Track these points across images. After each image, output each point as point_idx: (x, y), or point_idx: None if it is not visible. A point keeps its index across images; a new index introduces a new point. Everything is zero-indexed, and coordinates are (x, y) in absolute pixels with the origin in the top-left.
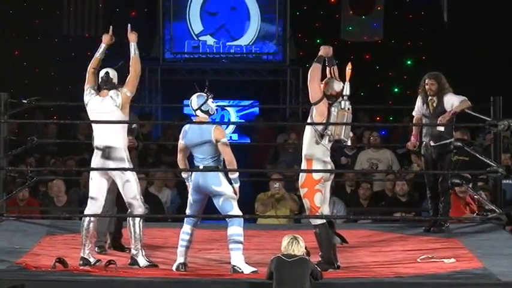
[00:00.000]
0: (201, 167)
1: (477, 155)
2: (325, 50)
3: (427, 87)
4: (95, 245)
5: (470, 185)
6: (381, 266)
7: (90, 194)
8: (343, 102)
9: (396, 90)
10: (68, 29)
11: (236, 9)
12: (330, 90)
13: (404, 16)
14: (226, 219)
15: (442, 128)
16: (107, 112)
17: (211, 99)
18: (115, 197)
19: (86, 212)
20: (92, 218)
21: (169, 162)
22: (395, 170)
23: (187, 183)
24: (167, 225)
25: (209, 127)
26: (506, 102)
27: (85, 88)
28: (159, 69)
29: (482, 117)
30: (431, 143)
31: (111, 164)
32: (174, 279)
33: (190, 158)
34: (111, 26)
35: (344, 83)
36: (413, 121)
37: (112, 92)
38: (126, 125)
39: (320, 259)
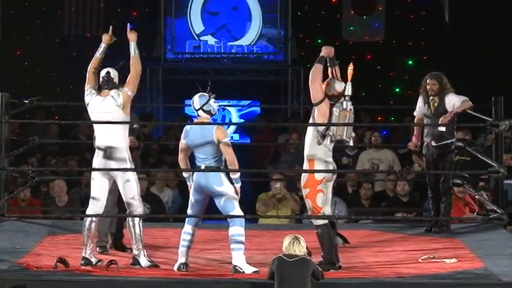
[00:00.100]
0: (202, 167)
1: (478, 155)
2: (326, 51)
3: (428, 87)
4: (97, 245)
5: (470, 186)
6: (382, 266)
7: (92, 194)
8: (345, 103)
9: (397, 90)
10: (69, 29)
11: (237, 9)
12: (331, 91)
13: (405, 16)
14: (228, 219)
15: (443, 128)
16: (108, 112)
17: (213, 99)
18: (116, 197)
19: (88, 212)
20: (94, 218)
21: (170, 162)
22: (397, 170)
23: (188, 183)
24: (168, 226)
25: (211, 127)
26: (508, 102)
27: (86, 88)
28: (161, 69)
29: (484, 117)
30: (433, 143)
31: (112, 164)
32: (175, 279)
33: (191, 158)
34: (110, 26)
35: (346, 84)
36: (415, 121)
37: (113, 92)
38: (127, 125)
39: (321, 259)
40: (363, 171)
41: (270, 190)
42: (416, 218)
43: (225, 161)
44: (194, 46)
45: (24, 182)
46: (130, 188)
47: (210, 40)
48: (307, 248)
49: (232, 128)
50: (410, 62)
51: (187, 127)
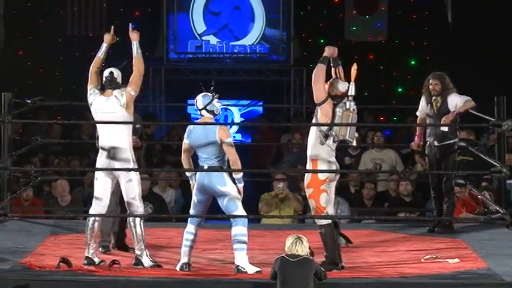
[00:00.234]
0: (205, 167)
1: (481, 155)
2: (329, 51)
3: (431, 87)
4: (99, 245)
5: (472, 186)
6: (385, 266)
7: (95, 194)
8: (348, 103)
9: (400, 90)
10: (72, 29)
11: (239, 8)
12: (334, 91)
13: (408, 16)
14: (231, 219)
15: (446, 128)
16: (111, 112)
17: (216, 100)
18: (118, 197)
19: (91, 211)
20: (97, 218)
21: (173, 162)
22: (399, 170)
23: (191, 183)
24: (171, 225)
25: (214, 127)
26: (510, 102)
27: (88, 88)
28: (163, 69)
29: (486, 117)
30: (435, 143)
31: (116, 164)
32: (178, 279)
33: (194, 157)
34: (112, 26)
35: (349, 84)
36: (417, 121)
37: (116, 92)
38: (131, 125)
39: (324, 259)
40: (365, 171)
41: (273, 190)
42: (419, 218)
43: (228, 161)
44: (196, 46)
45: (27, 181)
46: (132, 188)
47: (212, 40)
48: (309, 248)
49: (235, 128)
50: (412, 62)
51: (190, 127)
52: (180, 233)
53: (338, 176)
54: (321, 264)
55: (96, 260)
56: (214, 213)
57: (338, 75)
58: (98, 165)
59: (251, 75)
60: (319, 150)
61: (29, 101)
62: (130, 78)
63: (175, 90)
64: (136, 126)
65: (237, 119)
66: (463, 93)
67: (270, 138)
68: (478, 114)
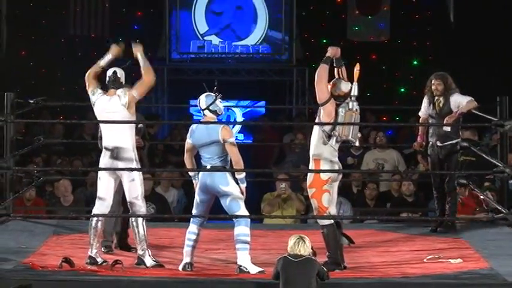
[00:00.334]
0: (208, 166)
1: (483, 155)
2: (332, 51)
3: (433, 87)
4: (102, 245)
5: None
6: (388, 266)
7: (99, 194)
8: (350, 103)
9: (402, 90)
10: (74, 29)
11: (242, 8)
12: (337, 91)
13: (410, 16)
14: (233, 219)
15: (448, 128)
16: (114, 111)
17: (219, 100)
18: (121, 197)
19: (94, 211)
20: (100, 218)
21: (175, 162)
22: (402, 170)
23: (194, 182)
24: (173, 225)
25: (216, 127)
26: None
27: (89, 91)
28: (166, 69)
29: (489, 117)
30: (438, 143)
31: (119, 164)
32: (180, 279)
33: (197, 157)
34: (121, 40)
35: (352, 84)
36: (420, 121)
37: (120, 91)
38: (133, 125)
39: (327, 259)
40: (368, 171)
41: (275, 190)
42: (422, 218)
43: (231, 161)
44: (198, 46)
45: (30, 181)
46: (135, 187)
47: (214, 40)
48: (312, 248)
49: (237, 128)
50: (415, 62)
51: (193, 126)
52: (182, 233)
53: (340, 176)
54: (324, 264)
55: (99, 260)
56: (216, 213)
57: (341, 76)
58: (101, 165)
59: (253, 75)
60: (321, 150)
61: (31, 101)
62: (138, 82)
63: (178, 90)
64: (139, 126)
65: (240, 119)
66: (465, 93)
67: (272, 138)
68: (480, 114)
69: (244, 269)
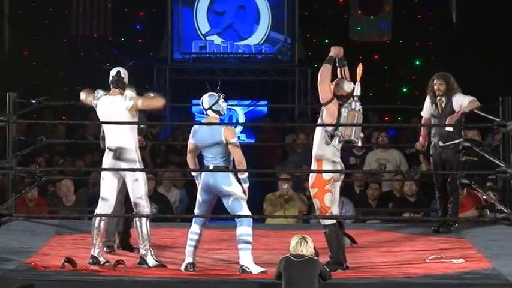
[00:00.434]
0: (211, 166)
1: (486, 155)
2: (335, 51)
3: (435, 87)
4: (104, 245)
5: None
6: (390, 266)
7: (102, 194)
8: (353, 103)
9: (405, 90)
10: (77, 29)
11: (244, 8)
12: (340, 91)
13: (412, 16)
14: (235, 219)
15: (450, 128)
16: (117, 112)
17: (222, 99)
18: (123, 197)
19: (97, 211)
20: (103, 217)
21: (178, 162)
22: (404, 170)
23: (196, 182)
24: (176, 225)
25: (219, 127)
26: None
27: (88, 101)
28: (168, 69)
29: (491, 117)
30: (440, 143)
31: (122, 165)
32: (182, 279)
33: (199, 157)
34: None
35: (354, 84)
36: (422, 121)
37: (127, 92)
38: (136, 125)
39: (329, 259)
40: (370, 171)
41: (278, 190)
42: (424, 218)
43: (233, 161)
44: (200, 46)
45: (32, 182)
46: (139, 187)
47: (216, 40)
48: (314, 248)
49: (239, 128)
50: (417, 62)
51: (196, 127)
52: (184, 233)
53: (343, 176)
54: (326, 264)
55: (102, 260)
56: (219, 213)
57: (343, 75)
58: (104, 165)
59: (256, 75)
60: (324, 150)
61: (33, 101)
62: (150, 96)
63: (180, 90)
64: (141, 126)
65: (242, 119)
66: (467, 93)
67: (274, 139)
68: (482, 114)
69: (247, 269)
